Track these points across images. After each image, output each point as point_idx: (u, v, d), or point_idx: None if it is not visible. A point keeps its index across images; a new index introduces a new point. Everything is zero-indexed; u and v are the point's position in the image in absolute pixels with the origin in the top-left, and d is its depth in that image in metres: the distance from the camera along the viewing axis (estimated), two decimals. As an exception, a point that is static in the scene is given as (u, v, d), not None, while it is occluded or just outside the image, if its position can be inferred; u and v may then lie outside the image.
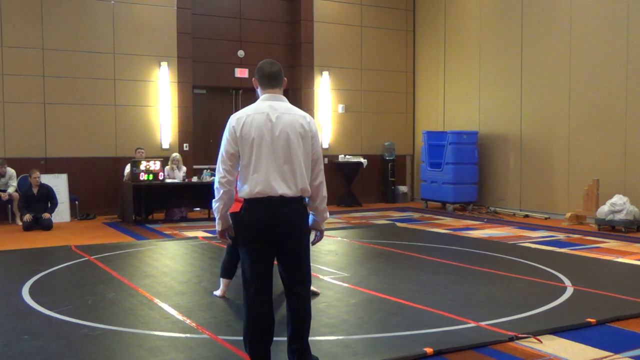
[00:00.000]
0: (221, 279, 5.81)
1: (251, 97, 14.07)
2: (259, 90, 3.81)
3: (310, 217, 3.80)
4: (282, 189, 3.57)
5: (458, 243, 9.00)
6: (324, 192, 3.78)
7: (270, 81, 3.76)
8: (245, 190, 3.61)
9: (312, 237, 3.91)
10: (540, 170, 12.22)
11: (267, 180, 3.57)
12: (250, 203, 3.61)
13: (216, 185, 3.65)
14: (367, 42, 14.82)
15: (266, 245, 3.62)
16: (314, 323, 4.90)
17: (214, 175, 11.88)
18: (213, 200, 3.67)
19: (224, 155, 3.62)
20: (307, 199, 3.75)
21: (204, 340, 4.52)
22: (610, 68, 10.91)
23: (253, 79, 3.86)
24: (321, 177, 3.76)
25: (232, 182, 3.63)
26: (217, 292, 5.84)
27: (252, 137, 3.58)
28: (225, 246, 3.67)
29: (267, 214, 3.58)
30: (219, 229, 3.73)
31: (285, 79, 3.84)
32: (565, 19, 11.65)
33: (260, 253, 3.63)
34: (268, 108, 3.66)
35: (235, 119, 3.65)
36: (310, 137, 3.69)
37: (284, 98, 3.77)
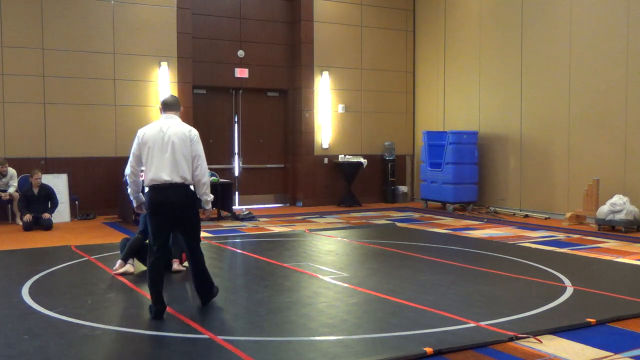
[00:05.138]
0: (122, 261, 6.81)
1: (251, 97, 14.10)
2: (160, 114, 5.42)
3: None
4: (167, 177, 5.08)
5: (458, 243, 9.00)
6: (203, 179, 5.26)
7: (166, 107, 5.37)
8: (146, 180, 5.18)
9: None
10: (540, 170, 12.22)
11: (156, 171, 5.10)
12: (149, 188, 5.18)
13: (125, 177, 5.37)
14: (367, 42, 14.82)
15: (160, 216, 5.13)
16: (313, 323, 4.96)
17: (214, 175, 12.06)
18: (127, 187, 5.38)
19: (132, 157, 5.25)
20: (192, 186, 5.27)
21: (204, 340, 4.52)
22: (610, 68, 10.91)
23: (159, 107, 5.55)
24: (198, 168, 5.23)
25: (137, 174, 5.29)
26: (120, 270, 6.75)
27: (149, 143, 5.15)
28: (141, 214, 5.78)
29: (158, 196, 5.11)
30: (135, 205, 5.42)
31: (182, 107, 5.53)
32: (565, 19, 11.65)
33: (158, 221, 5.15)
34: (162, 124, 5.25)
35: (141, 132, 5.27)
36: (189, 140, 5.19)
37: (176, 117, 5.35)
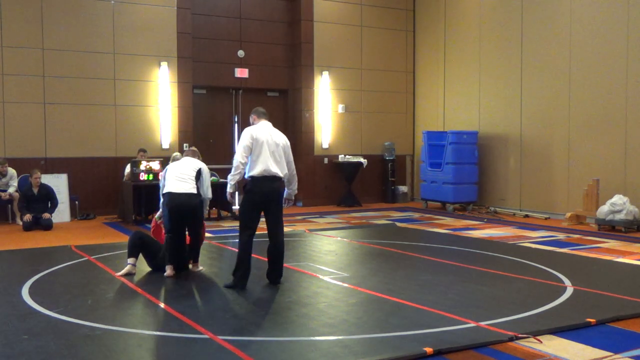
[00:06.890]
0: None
1: (251, 97, 14.08)
2: (256, 121, 6.52)
3: (286, 191, 6.48)
4: (276, 170, 6.25)
5: (458, 243, 9.00)
6: (295, 177, 6.54)
7: (263, 115, 6.57)
8: (255, 171, 6.21)
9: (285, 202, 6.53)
10: (540, 170, 12.22)
11: (267, 165, 6.23)
12: (257, 178, 6.21)
13: (237, 164, 6.24)
14: (367, 42, 14.82)
15: (263, 201, 6.26)
16: (313, 323, 4.97)
17: (214, 175, 12.03)
18: (230, 174, 6.29)
19: (244, 148, 6.23)
20: (285, 180, 6.40)
21: (204, 340, 4.52)
22: (610, 68, 10.91)
23: (252, 116, 6.58)
24: (293, 169, 6.53)
25: (246, 164, 6.25)
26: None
27: (261, 141, 6.26)
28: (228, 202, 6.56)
29: (267, 185, 6.23)
30: (230, 191, 6.41)
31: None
32: (565, 19, 11.65)
33: (256, 209, 6.31)
34: (267, 128, 6.44)
35: (254, 129, 6.36)
36: (287, 147, 6.48)
37: (270, 124, 6.54)
